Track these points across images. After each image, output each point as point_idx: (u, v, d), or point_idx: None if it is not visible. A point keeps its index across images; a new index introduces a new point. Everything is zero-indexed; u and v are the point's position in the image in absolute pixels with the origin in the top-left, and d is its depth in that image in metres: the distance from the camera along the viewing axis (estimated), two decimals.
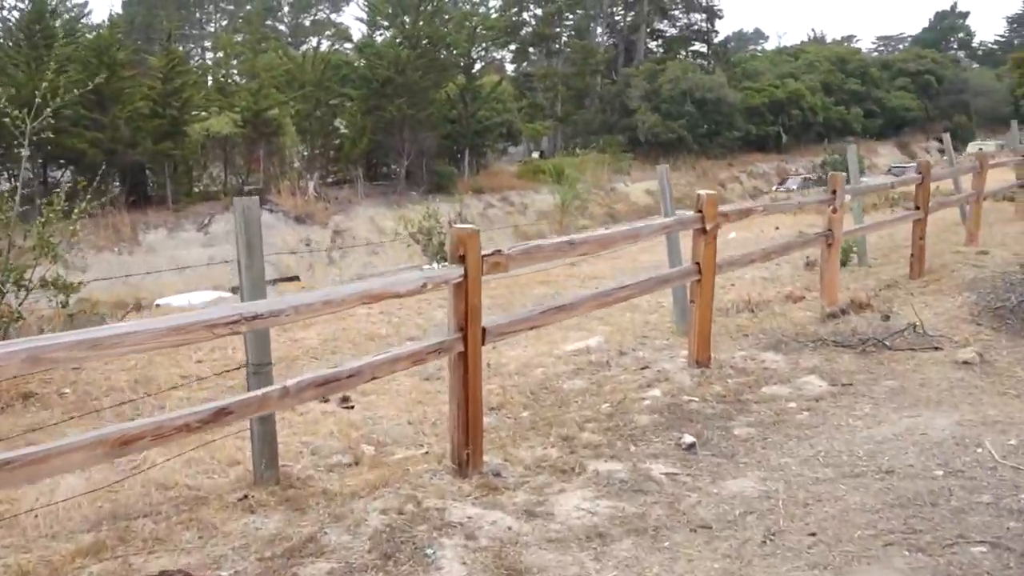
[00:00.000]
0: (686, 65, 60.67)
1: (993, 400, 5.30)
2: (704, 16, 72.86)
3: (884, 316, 7.64)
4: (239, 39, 41.28)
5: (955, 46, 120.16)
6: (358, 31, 55.32)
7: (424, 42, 39.79)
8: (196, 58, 64.94)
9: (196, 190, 34.98)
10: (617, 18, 70.45)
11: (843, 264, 11.02)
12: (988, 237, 12.07)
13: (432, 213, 11.70)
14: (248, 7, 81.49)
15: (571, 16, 66.66)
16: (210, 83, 42.61)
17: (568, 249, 5.31)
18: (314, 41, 61.61)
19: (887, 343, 6.71)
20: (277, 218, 33.78)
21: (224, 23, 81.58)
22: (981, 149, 63.20)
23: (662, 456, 4.75)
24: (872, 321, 7.57)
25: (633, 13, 69.93)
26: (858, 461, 4.50)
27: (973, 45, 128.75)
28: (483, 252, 4.51)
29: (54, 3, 32.88)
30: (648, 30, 70.59)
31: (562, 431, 5.12)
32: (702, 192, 6.34)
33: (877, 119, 76.80)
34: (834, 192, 8.15)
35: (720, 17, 72.99)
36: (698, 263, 6.29)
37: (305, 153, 39.78)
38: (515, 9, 66.30)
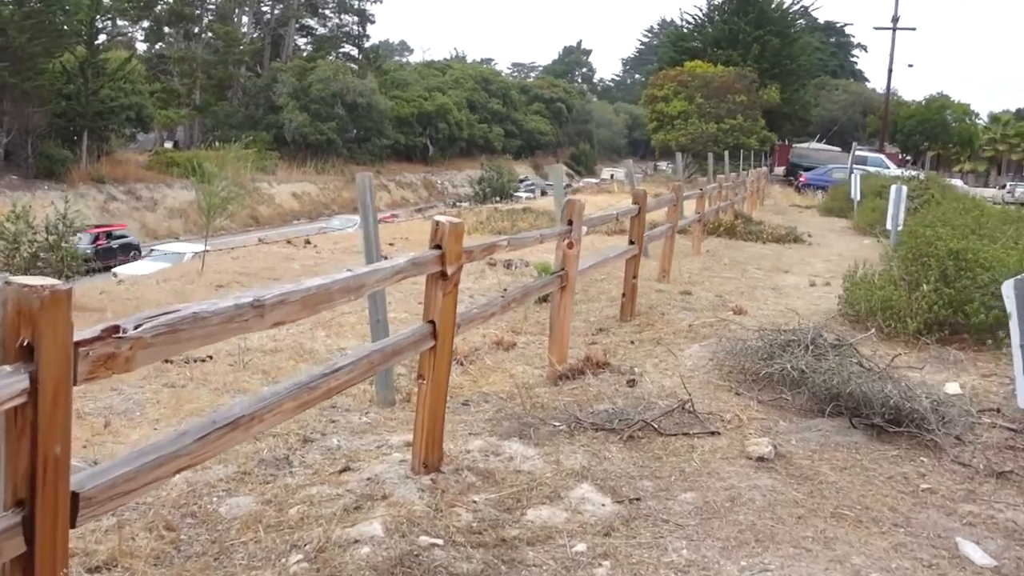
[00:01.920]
0: (338, 66, 58.66)
1: (836, 530, 3.99)
2: (356, 19, 71.64)
3: (629, 380, 6.27)
4: None
5: (579, 79, 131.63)
6: None
7: (35, 1, 33.50)
8: None
9: None
10: (264, 8, 66.54)
11: (541, 299, 9.79)
12: (675, 272, 11.58)
13: (22, 210, 8.30)
14: None
15: None
16: None
17: (251, 317, 3.03)
18: None
19: (655, 425, 5.27)
20: None
21: None
22: (612, 176, 69.52)
23: None
24: (617, 386, 6.16)
25: (282, 6, 66.54)
26: None
27: (594, 81, 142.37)
28: (81, 336, 2.18)
29: None
30: (297, 26, 67.59)
31: None
32: (442, 219, 4.41)
33: (516, 139, 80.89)
34: (570, 223, 6.65)
35: (372, 22, 72.26)
36: (433, 322, 4.34)
37: None
38: None
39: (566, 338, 6.85)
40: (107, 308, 8.50)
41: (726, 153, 23.00)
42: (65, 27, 36.39)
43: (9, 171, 34.08)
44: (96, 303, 8.71)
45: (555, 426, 5.40)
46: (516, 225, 16.23)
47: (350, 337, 7.81)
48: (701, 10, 49.39)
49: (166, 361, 6.65)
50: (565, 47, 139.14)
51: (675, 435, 5.31)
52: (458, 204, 33.44)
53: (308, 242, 14.13)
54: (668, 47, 50.71)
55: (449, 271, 4.38)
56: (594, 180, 69.68)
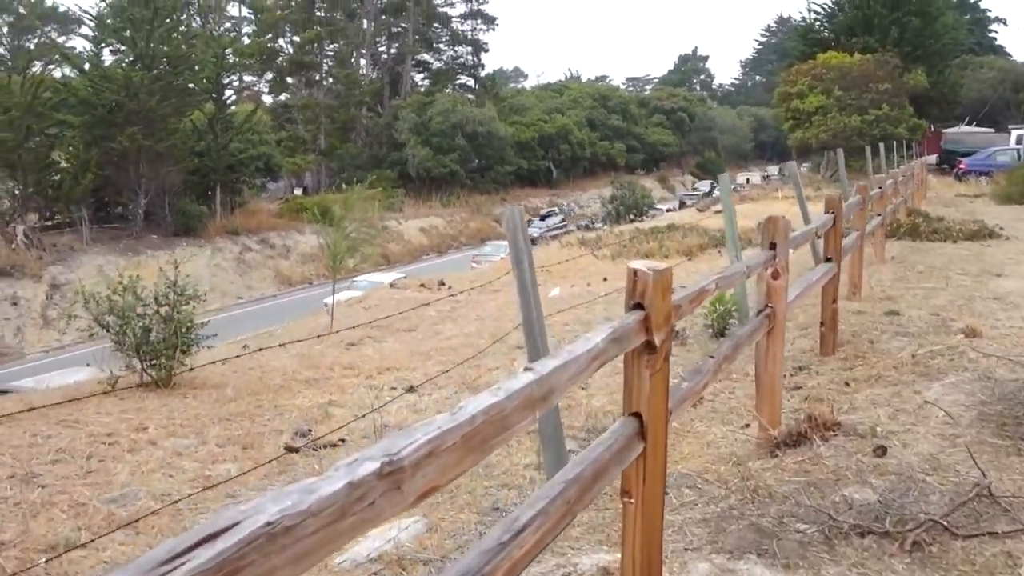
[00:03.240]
0: (456, 97, 58.63)
1: None
2: (470, 50, 71.66)
3: (876, 448, 4.73)
4: None
5: (697, 87, 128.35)
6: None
7: (163, 64, 34.46)
8: None
9: None
10: (381, 49, 67.47)
11: (721, 333, 8.30)
12: (867, 287, 9.84)
13: (130, 282, 7.41)
14: None
15: (332, 45, 62.81)
16: None
17: (379, 496, 1.72)
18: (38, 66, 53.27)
19: (945, 523, 3.74)
20: None
21: None
22: (748, 181, 66.60)
23: None
24: (859, 457, 4.65)
25: (398, 44, 67.29)
26: None
27: (713, 87, 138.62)
28: None
29: None
30: (413, 62, 68.20)
31: None
32: (641, 265, 3.11)
33: (639, 154, 78.93)
34: (773, 246, 5.19)
35: (486, 50, 72.10)
36: (639, 415, 3.02)
37: (17, 192, 33.07)
38: (270, 35, 61.51)
39: (778, 394, 5.35)
40: (229, 383, 7.58)
41: (881, 146, 20.74)
42: (192, 86, 37.37)
43: (149, 231, 35.08)
44: (217, 376, 7.85)
45: (802, 531, 3.93)
46: (664, 245, 14.73)
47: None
48: None
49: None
50: (680, 56, 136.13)
51: (977, 536, 3.76)
52: (592, 226, 31.98)
53: (442, 283, 13.14)
54: (796, 41, 47.92)
55: (657, 340, 3.04)
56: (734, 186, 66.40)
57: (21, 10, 76.62)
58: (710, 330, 8.34)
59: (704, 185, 71.36)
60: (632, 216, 31.43)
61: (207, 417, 6.39)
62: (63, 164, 34.15)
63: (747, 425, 5.59)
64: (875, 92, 35.13)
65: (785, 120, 38.63)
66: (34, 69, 32.99)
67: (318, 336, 8.00)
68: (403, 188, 53.51)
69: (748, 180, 67.24)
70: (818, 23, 47.31)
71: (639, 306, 3.03)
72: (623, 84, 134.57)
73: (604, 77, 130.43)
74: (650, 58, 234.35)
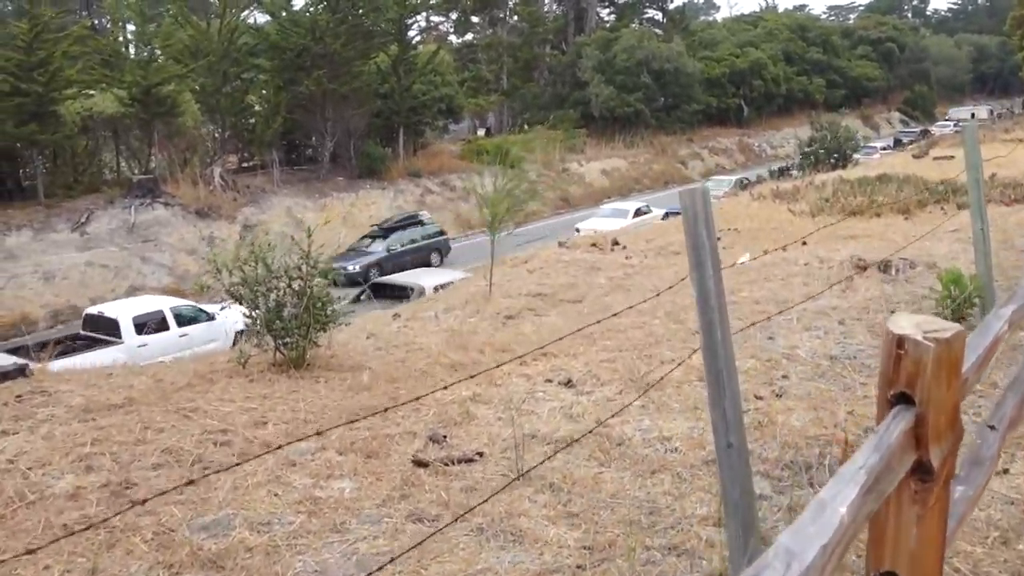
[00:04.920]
0: (642, 33, 56.10)
1: None
2: None
3: None
4: (129, 2, 35.53)
5: (909, 14, 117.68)
6: None
7: (347, 5, 34.60)
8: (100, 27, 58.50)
9: (80, 181, 29.55)
10: None
11: (960, 319, 6.65)
12: None
13: (258, 251, 6.56)
14: None
15: None
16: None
17: None
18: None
19: None
20: (173, 213, 28.69)
21: None
22: (973, 115, 60.24)
23: None
24: None
25: None
26: None
27: (927, 13, 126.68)
28: None
29: None
30: None
31: None
32: (908, 326, 1.81)
33: (839, 89, 73.29)
34: None
35: None
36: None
37: (217, 134, 34.54)
38: None
39: None
40: (367, 364, 6.82)
41: None
42: (377, 27, 37.42)
43: (336, 173, 35.76)
44: (357, 355, 7.13)
45: None
46: (875, 201, 12.76)
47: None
48: None
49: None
50: None
51: None
52: (787, 172, 29.17)
53: (616, 243, 11.96)
54: None
55: (935, 458, 1.79)
56: (947, 123, 60.66)
57: None
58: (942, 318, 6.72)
59: (963, 111, 64.92)
60: (834, 160, 28.47)
61: (335, 410, 5.63)
62: (256, 108, 35.26)
63: None
64: None
65: (1020, 49, 33.93)
66: (235, 15, 33.81)
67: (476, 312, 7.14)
68: (585, 128, 52.05)
69: (973, 115, 60.88)
70: None
71: (906, 398, 1.78)
72: (824, 13, 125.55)
73: (803, 7, 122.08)
74: None
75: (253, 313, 6.80)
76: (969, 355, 2.08)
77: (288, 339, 6.64)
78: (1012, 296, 2.80)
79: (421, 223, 29.76)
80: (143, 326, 14.75)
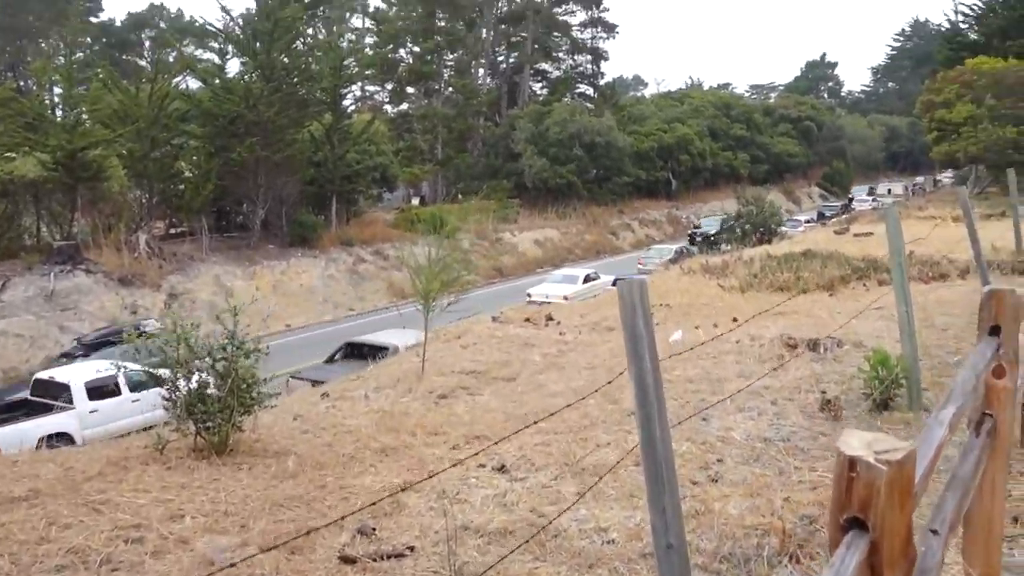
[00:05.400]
0: (574, 107, 57.42)
1: None
2: (589, 58, 70.52)
3: None
4: (57, 66, 34.94)
5: (825, 95, 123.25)
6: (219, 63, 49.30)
7: (282, 74, 34.62)
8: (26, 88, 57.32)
9: None
10: (500, 58, 67.05)
11: (888, 399, 6.73)
12: None
13: (182, 332, 6.17)
14: (103, 39, 74.40)
15: (451, 55, 62.72)
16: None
17: None
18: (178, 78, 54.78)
19: None
20: (95, 280, 27.82)
21: (79, 56, 73.93)
22: (890, 191, 63.09)
23: None
24: None
25: (516, 53, 66.72)
26: None
27: (842, 94, 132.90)
28: None
29: None
30: (532, 71, 67.49)
31: None
32: (860, 449, 1.76)
33: (763, 164, 75.92)
34: (996, 330, 3.75)
35: (606, 59, 70.75)
36: None
37: (144, 200, 33.81)
38: (391, 45, 61.92)
39: (996, 542, 3.87)
40: (293, 449, 6.55)
41: None
42: (312, 96, 37.45)
43: (267, 240, 35.28)
44: (283, 439, 6.84)
45: None
46: (801, 277, 13.03)
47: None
48: None
49: None
50: (808, 62, 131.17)
51: None
52: (714, 247, 29.79)
53: (550, 318, 11.90)
54: (941, 46, 44.45)
55: None
56: (867, 199, 63.43)
57: (162, 25, 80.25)
58: (870, 400, 6.79)
59: (882, 188, 69.28)
60: (760, 235, 29.25)
61: (258, 501, 5.36)
62: (187, 174, 34.73)
63: None
64: None
65: (929, 131, 35.65)
66: (167, 81, 33.45)
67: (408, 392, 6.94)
68: (518, 199, 52.70)
69: (890, 191, 63.89)
70: (966, 25, 43.86)
71: (859, 523, 1.71)
72: (746, 91, 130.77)
73: (727, 85, 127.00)
74: (775, 65, 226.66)
75: (173, 396, 6.50)
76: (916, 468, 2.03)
77: (210, 423, 6.35)
78: (948, 397, 2.79)
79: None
80: (95, 391, 14.24)
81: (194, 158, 34.75)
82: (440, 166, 57.07)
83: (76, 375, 14.74)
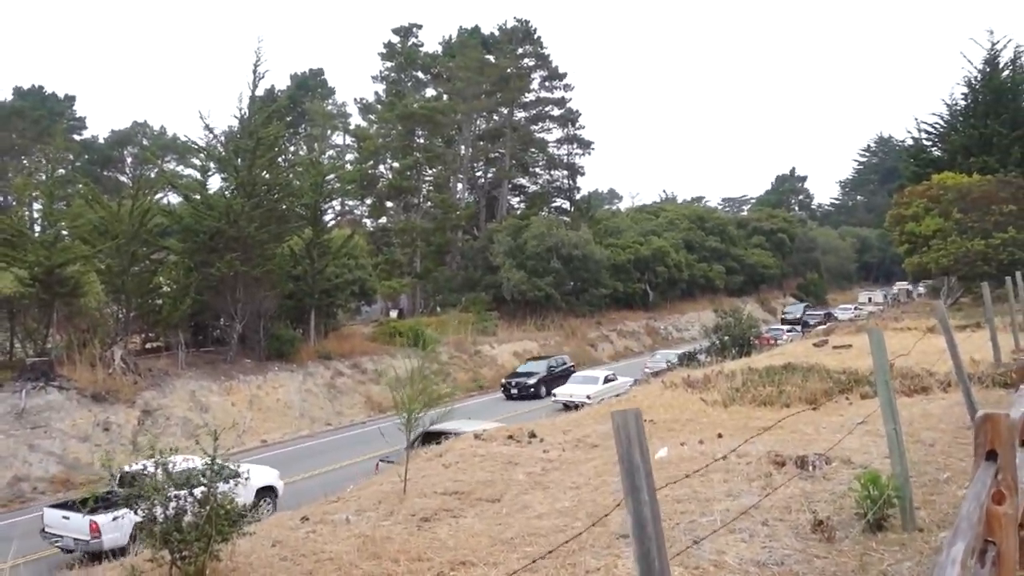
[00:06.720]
0: (551, 221, 58.45)
1: None
2: (565, 173, 72.22)
3: None
4: (37, 182, 35.22)
5: (796, 207, 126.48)
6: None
7: (263, 190, 35.07)
8: (5, 204, 57.72)
9: None
10: (478, 173, 68.55)
11: (878, 526, 6.61)
12: None
13: (159, 457, 6.07)
14: (85, 156, 75.42)
15: (430, 170, 64.07)
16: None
17: None
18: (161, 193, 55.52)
19: None
20: (68, 396, 27.27)
21: (60, 172, 74.85)
22: (871, 299, 64.89)
23: None
24: None
25: (494, 169, 68.28)
26: None
27: (812, 207, 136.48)
28: None
29: None
30: (509, 186, 68.92)
31: None
32: None
33: (738, 276, 77.03)
34: (992, 455, 3.73)
35: (582, 174, 72.55)
36: None
37: (120, 315, 33.55)
38: (371, 161, 63.24)
39: None
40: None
41: (1019, 274, 18.64)
42: (292, 211, 37.87)
43: (244, 355, 34.96)
44: (262, 567, 6.56)
45: None
46: (784, 391, 13.01)
47: None
48: (942, 118, 44.69)
49: None
50: (778, 176, 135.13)
51: None
52: (695, 359, 29.96)
53: (533, 435, 11.75)
54: (908, 162, 45.94)
55: None
56: (848, 307, 65.47)
57: (144, 141, 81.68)
58: (864, 521, 6.66)
59: (863, 296, 73.38)
60: (739, 348, 29.51)
61: None
62: (165, 289, 34.63)
63: None
64: (999, 214, 32.80)
65: (900, 244, 36.44)
66: (148, 197, 33.75)
67: (390, 514, 6.71)
68: (497, 311, 52.91)
69: (870, 299, 66.10)
70: (930, 143, 45.46)
71: None
72: (720, 204, 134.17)
73: (700, 198, 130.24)
74: (747, 178, 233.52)
75: (148, 524, 6.25)
76: None
77: (187, 552, 6.09)
78: (955, 533, 2.73)
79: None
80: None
81: (173, 273, 34.71)
82: (419, 279, 57.47)
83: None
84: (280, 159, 39.51)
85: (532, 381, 37.28)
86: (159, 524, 6.15)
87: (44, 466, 24.71)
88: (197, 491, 6.33)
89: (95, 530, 13.04)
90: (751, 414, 12.03)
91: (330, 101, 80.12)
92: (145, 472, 6.53)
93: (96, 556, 11.73)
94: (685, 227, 74.55)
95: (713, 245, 75.09)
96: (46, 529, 15.09)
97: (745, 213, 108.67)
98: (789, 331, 48.18)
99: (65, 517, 14.23)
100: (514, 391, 37.07)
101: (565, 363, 40.28)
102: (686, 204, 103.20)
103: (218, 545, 6.28)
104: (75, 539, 14.01)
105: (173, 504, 6.23)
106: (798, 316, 61.18)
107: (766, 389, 13.28)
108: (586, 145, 71.64)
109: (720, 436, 10.31)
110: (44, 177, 35.18)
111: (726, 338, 30.89)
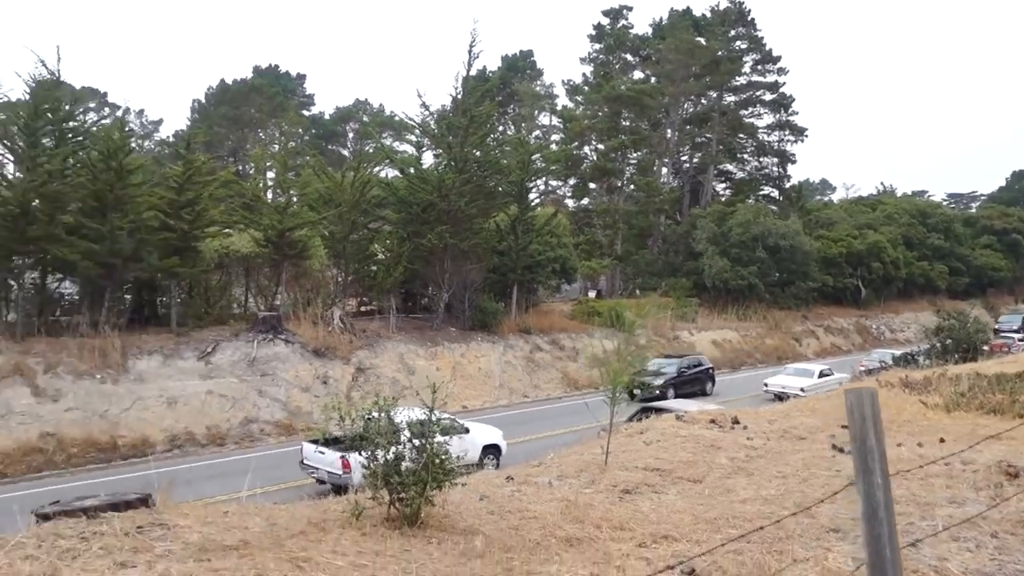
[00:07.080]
0: (758, 208, 56.58)
1: None
2: (775, 160, 69.51)
3: None
4: (272, 153, 38.30)
5: None
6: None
7: (473, 166, 36.30)
8: (244, 172, 63.17)
9: (210, 313, 31.10)
10: (683, 158, 67.40)
11: None
12: None
13: (384, 403, 6.65)
14: (313, 130, 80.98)
15: (635, 153, 63.69)
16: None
17: None
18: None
19: None
20: (292, 349, 29.59)
21: (292, 145, 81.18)
22: None
23: None
24: None
25: (701, 154, 66.88)
26: None
27: None
28: None
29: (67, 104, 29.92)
30: (715, 171, 67.26)
31: None
32: None
33: (963, 277, 71.35)
34: None
35: (793, 162, 69.50)
36: None
37: (340, 279, 36.04)
38: (576, 143, 63.70)
39: None
40: (481, 528, 6.62)
41: None
42: (503, 187, 39.00)
43: (449, 323, 36.50)
44: (471, 516, 6.93)
45: None
46: (1018, 401, 12.02)
47: None
48: None
49: None
50: (1014, 172, 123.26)
51: None
52: (914, 360, 28.03)
53: (736, 421, 11.55)
54: None
55: None
56: None
57: (365, 118, 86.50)
58: None
59: None
60: (964, 351, 27.34)
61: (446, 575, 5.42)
62: (380, 256, 36.74)
63: None
64: None
65: None
66: (368, 170, 36.00)
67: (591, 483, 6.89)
68: (697, 298, 52.00)
69: None
70: None
71: None
72: (944, 199, 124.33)
73: (923, 192, 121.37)
74: (977, 173, 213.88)
75: (371, 464, 6.77)
76: None
77: (404, 495, 6.56)
78: None
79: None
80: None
81: (387, 242, 36.72)
82: (619, 261, 57.43)
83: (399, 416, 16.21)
84: (490, 138, 40.64)
85: (659, 382, 32.07)
86: (381, 466, 6.64)
87: (271, 411, 26.98)
88: (416, 440, 6.78)
89: (346, 466, 14.31)
90: (977, 421, 11.22)
91: (538, 82, 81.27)
92: (370, 417, 7.06)
93: (341, 490, 12.78)
94: (905, 222, 69.84)
95: (936, 243, 69.91)
96: (304, 461, 16.71)
97: (974, 211, 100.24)
98: (1021, 339, 44.05)
99: (320, 452, 15.68)
100: (636, 391, 34.84)
101: (700, 363, 36.24)
102: (906, 198, 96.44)
103: (432, 491, 6.70)
104: (328, 472, 15.42)
105: (394, 449, 6.71)
106: (1015, 327, 53.22)
107: (996, 396, 12.30)
108: (799, 132, 68.57)
109: (942, 441, 9.70)
110: (277, 148, 38.14)
111: (948, 341, 28.74)
